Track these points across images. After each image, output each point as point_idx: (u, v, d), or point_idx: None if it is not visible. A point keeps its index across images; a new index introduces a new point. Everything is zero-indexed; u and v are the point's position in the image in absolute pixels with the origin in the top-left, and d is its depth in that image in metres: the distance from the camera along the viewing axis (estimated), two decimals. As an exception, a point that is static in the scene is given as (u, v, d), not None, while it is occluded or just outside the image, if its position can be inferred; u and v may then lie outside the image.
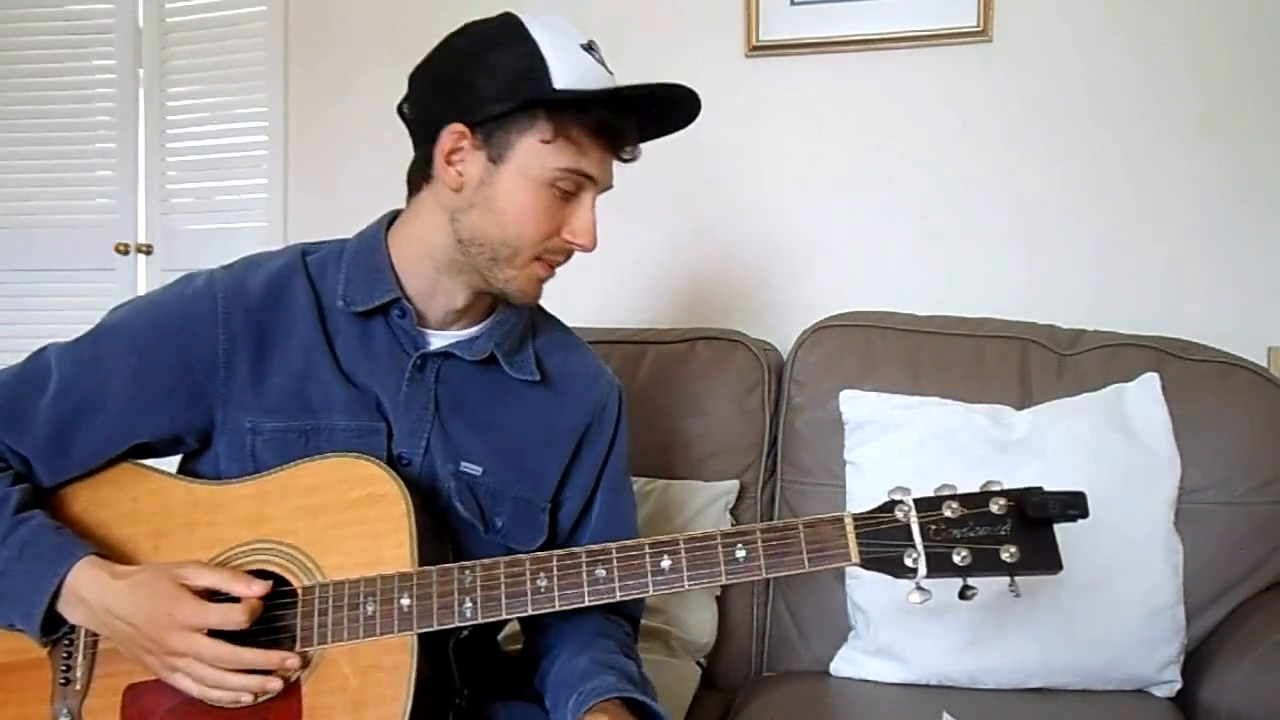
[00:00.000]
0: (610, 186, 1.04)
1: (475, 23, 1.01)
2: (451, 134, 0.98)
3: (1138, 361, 1.51)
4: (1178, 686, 1.38)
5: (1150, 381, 1.48)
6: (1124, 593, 1.36)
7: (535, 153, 0.97)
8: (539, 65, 0.95)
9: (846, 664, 1.48)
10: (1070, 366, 1.55)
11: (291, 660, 0.93)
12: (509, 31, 0.98)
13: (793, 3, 1.90)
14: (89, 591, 0.94)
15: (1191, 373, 1.50)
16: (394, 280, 1.05)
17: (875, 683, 1.44)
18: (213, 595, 0.94)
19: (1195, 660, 1.39)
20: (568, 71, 0.95)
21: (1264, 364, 1.61)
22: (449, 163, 0.99)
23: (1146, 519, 1.40)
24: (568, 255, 1.05)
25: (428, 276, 1.05)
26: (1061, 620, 1.35)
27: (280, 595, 0.96)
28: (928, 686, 1.41)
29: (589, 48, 0.99)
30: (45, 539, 0.96)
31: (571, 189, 1.00)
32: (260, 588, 0.93)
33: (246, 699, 0.92)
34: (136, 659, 0.95)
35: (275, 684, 0.92)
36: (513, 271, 1.02)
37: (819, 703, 1.43)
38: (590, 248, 1.02)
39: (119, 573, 0.95)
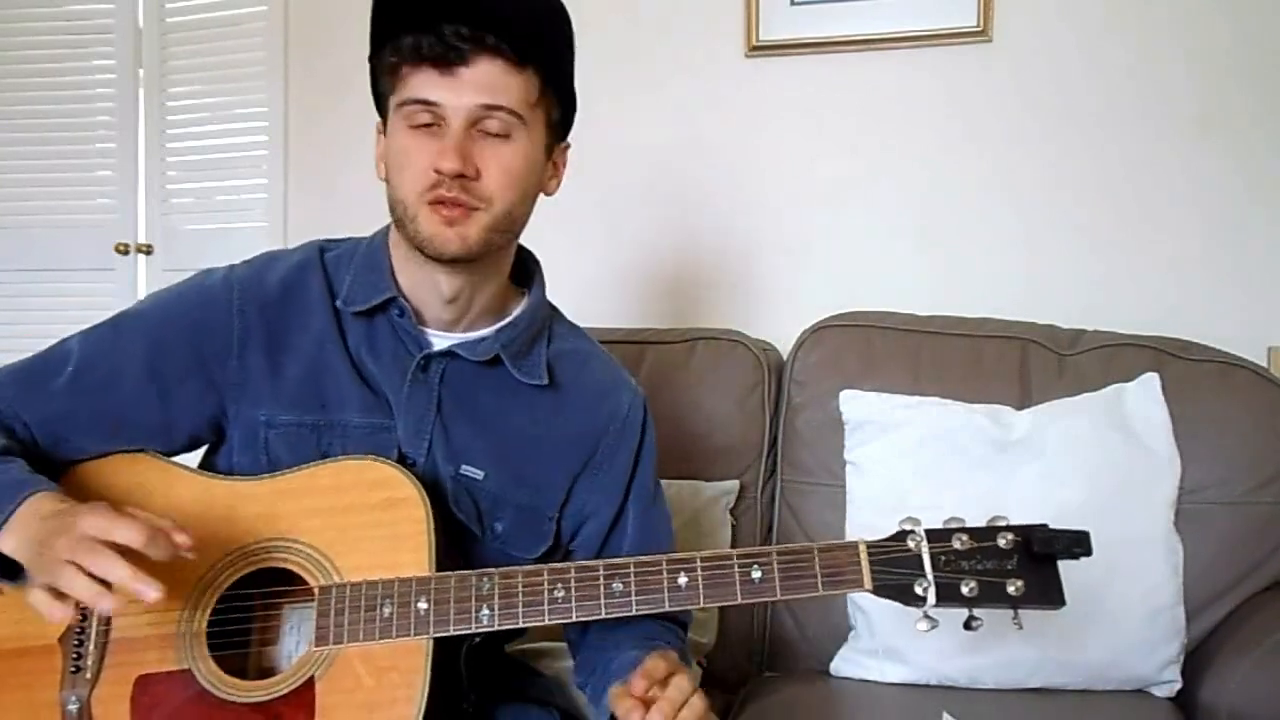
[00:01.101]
0: (483, 108, 0.96)
1: None
2: (376, 134, 1.05)
3: (1138, 361, 1.52)
4: (1178, 686, 1.39)
5: (1150, 381, 1.48)
6: (1124, 593, 1.36)
7: (391, 105, 1.00)
8: (373, 29, 1.00)
9: (846, 664, 1.48)
10: (1070, 366, 1.55)
11: (182, 538, 0.86)
12: None
13: (793, 3, 1.90)
14: (33, 516, 0.88)
15: (1191, 373, 1.50)
16: (391, 279, 1.05)
17: (875, 683, 1.44)
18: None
19: (1195, 660, 1.39)
20: (386, 18, 0.98)
21: (1264, 364, 1.61)
22: (379, 159, 1.04)
23: (1146, 519, 1.40)
24: (458, 191, 0.96)
25: (414, 271, 1.05)
26: (1061, 620, 1.33)
27: (297, 594, 0.97)
28: (928, 686, 1.41)
29: None
30: (9, 472, 0.93)
31: (429, 120, 0.96)
32: (185, 540, 0.87)
33: (119, 573, 0.82)
34: (44, 576, 0.86)
35: (145, 588, 0.82)
36: (414, 225, 0.98)
37: (819, 703, 1.43)
38: (448, 168, 0.94)
39: (65, 501, 0.90)
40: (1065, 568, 0.90)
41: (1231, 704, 1.28)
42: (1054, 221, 1.83)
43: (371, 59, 1.01)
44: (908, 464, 1.46)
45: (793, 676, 1.54)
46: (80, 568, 0.82)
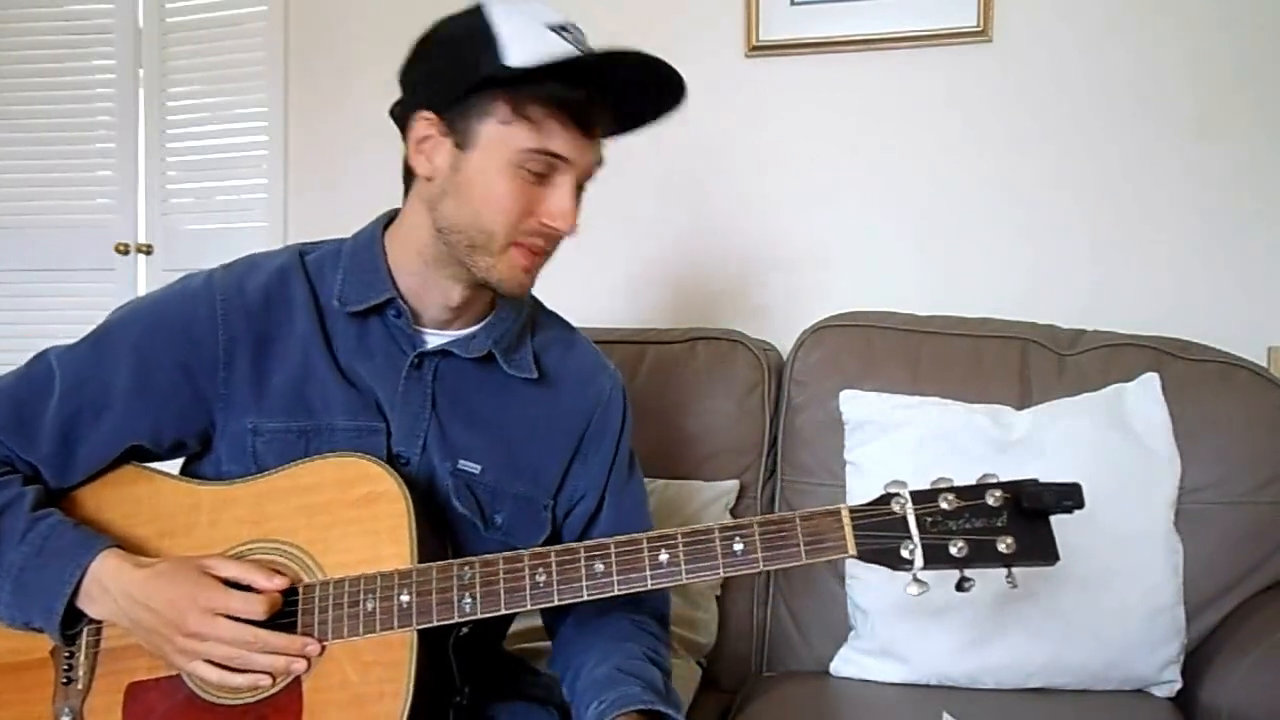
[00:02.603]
0: (598, 165, 1.01)
1: (447, 15, 1.01)
2: (420, 121, 0.99)
3: (1138, 361, 1.51)
4: (1178, 686, 1.38)
5: (1150, 381, 1.48)
6: (1124, 593, 1.36)
7: (498, 135, 0.96)
8: (491, 45, 0.94)
9: (846, 664, 1.48)
10: (1070, 366, 1.55)
11: (312, 646, 0.93)
12: (469, 17, 0.97)
13: (793, 3, 1.90)
14: (112, 581, 0.94)
15: (1191, 373, 1.50)
16: (389, 280, 1.05)
17: (875, 683, 1.44)
18: (234, 589, 0.94)
19: (1195, 660, 1.39)
20: (523, 50, 0.93)
21: (1264, 364, 1.61)
22: (419, 151, 1.00)
23: (1146, 519, 1.40)
24: (551, 242, 1.01)
25: (419, 274, 1.05)
26: (1061, 620, 1.35)
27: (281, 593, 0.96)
28: (928, 686, 1.41)
29: (561, 29, 0.96)
30: (65, 534, 0.96)
31: (543, 170, 0.97)
32: (281, 582, 0.94)
33: (265, 681, 0.93)
34: (156, 650, 0.95)
35: (300, 665, 0.93)
36: (490, 259, 0.99)
37: (819, 703, 1.43)
38: (566, 230, 0.98)
39: (141, 563, 0.96)
40: (1066, 556, 0.89)
41: (1231, 704, 1.28)
42: (1054, 221, 1.83)
43: (483, 82, 0.95)
44: (908, 464, 1.45)
45: (792, 676, 1.54)
46: (214, 657, 0.93)
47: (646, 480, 1.57)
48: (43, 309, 2.41)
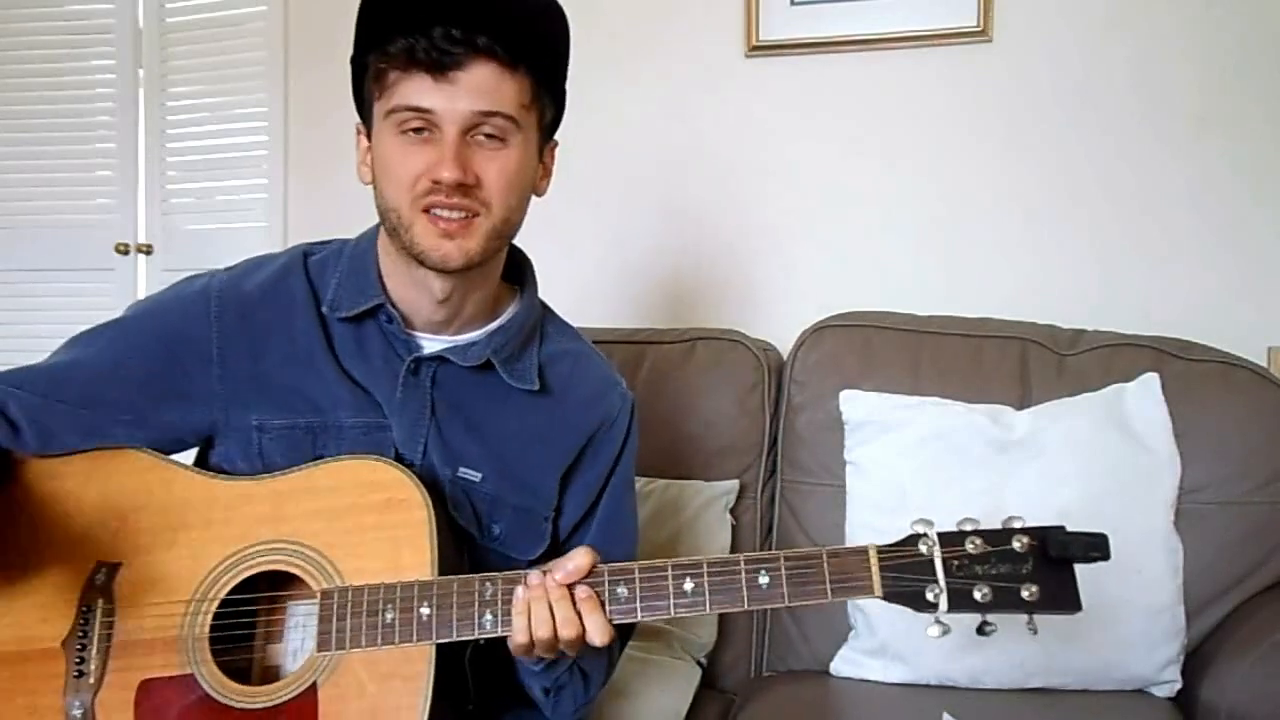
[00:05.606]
0: (480, 114, 0.94)
1: None
2: (357, 135, 1.06)
3: (1138, 361, 1.51)
4: (1178, 686, 1.38)
5: (1150, 381, 1.48)
6: (1124, 592, 1.36)
7: (379, 113, 1.00)
8: (359, 32, 1.01)
9: (846, 664, 1.48)
10: (1070, 366, 1.55)
11: None
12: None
13: (793, 3, 1.90)
14: None
15: (1191, 373, 1.50)
16: (379, 285, 1.05)
17: (875, 683, 1.44)
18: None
19: (1195, 660, 1.39)
20: (365, 29, 1.00)
21: (1264, 364, 1.61)
22: (363, 163, 1.05)
23: (1146, 519, 1.40)
24: (456, 197, 0.95)
25: (401, 274, 1.04)
26: (1061, 620, 1.34)
27: (298, 598, 0.96)
28: (928, 686, 1.41)
29: None
30: None
31: (421, 126, 0.95)
32: None
33: None
34: None
35: None
36: (409, 234, 0.97)
37: (819, 703, 1.43)
38: (448, 178, 0.93)
39: None
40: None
41: (1231, 704, 1.28)
42: (1054, 221, 1.83)
43: (354, 61, 1.02)
44: (908, 464, 1.46)
45: (792, 676, 1.54)
46: None
47: (647, 480, 1.58)
48: (43, 309, 2.41)
